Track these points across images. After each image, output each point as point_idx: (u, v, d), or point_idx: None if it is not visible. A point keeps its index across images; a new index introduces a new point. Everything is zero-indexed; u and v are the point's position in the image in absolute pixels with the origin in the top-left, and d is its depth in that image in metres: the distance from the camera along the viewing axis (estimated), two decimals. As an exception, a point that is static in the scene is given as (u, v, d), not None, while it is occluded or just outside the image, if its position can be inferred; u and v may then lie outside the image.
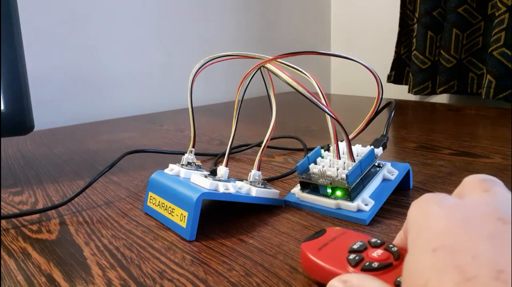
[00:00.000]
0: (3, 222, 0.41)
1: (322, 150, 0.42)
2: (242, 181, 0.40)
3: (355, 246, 0.25)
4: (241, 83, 0.40)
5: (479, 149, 0.58)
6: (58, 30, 0.92)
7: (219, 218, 0.39)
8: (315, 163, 0.40)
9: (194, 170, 0.41)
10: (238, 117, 0.41)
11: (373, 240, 0.26)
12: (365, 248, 0.25)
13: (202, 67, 0.41)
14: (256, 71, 0.39)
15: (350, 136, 0.41)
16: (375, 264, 0.23)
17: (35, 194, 0.49)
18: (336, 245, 0.26)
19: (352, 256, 0.24)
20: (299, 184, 0.41)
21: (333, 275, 0.23)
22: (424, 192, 0.35)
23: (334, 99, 1.18)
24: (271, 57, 0.37)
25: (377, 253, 0.24)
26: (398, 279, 0.21)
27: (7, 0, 0.48)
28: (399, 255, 0.24)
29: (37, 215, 0.42)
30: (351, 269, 0.23)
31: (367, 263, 0.23)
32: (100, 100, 0.99)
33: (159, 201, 0.39)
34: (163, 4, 1.06)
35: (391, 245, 0.25)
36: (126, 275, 0.30)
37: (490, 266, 0.14)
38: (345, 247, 0.26)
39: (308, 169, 0.40)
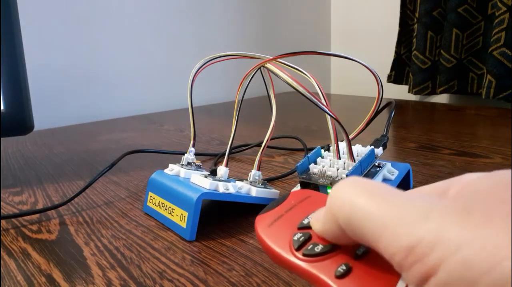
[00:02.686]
0: (3, 222, 0.41)
1: (322, 150, 0.42)
2: (242, 181, 0.40)
3: (305, 221, 0.21)
4: (241, 83, 0.40)
5: (479, 149, 0.58)
6: (58, 30, 0.92)
7: (219, 218, 0.39)
8: (315, 163, 0.40)
9: (194, 170, 0.41)
10: (238, 117, 0.41)
11: None
12: None
13: (202, 67, 0.41)
14: (256, 71, 0.39)
15: (350, 136, 0.41)
16: (318, 248, 0.19)
17: (35, 194, 0.49)
18: (290, 218, 0.22)
19: (297, 235, 0.20)
20: (299, 184, 0.41)
21: (279, 258, 0.20)
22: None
23: (334, 99, 1.18)
24: (271, 57, 0.37)
25: None
26: (340, 269, 0.17)
27: (7, 0, 0.48)
28: None
29: (37, 215, 0.42)
30: (295, 252, 0.19)
31: (310, 246, 0.19)
32: (100, 100, 0.99)
33: (159, 201, 0.39)
34: (163, 4, 1.06)
35: None
36: (126, 275, 0.30)
37: None
38: (297, 221, 0.21)
39: (308, 169, 0.40)
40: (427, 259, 0.14)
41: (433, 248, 0.14)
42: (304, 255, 0.19)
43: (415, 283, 0.14)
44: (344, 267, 0.17)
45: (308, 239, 0.20)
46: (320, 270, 0.18)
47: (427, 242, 0.14)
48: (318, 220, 0.19)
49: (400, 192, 0.16)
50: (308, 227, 0.20)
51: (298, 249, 0.19)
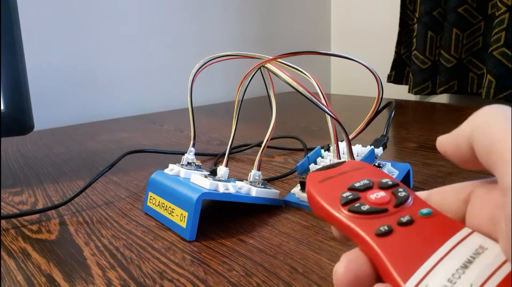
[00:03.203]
0: (3, 222, 0.41)
1: (322, 150, 0.42)
2: (242, 181, 0.40)
3: (357, 184, 0.22)
4: (241, 83, 0.40)
5: (479, 149, 0.58)
6: (58, 30, 0.92)
7: (219, 218, 0.39)
8: (315, 163, 0.40)
9: (194, 170, 0.41)
10: (238, 117, 0.41)
11: (385, 180, 0.22)
12: (368, 188, 0.21)
13: (202, 67, 0.41)
14: (256, 71, 0.39)
15: (350, 136, 0.41)
16: (365, 207, 0.20)
17: (35, 194, 0.49)
18: (341, 179, 0.23)
19: (346, 193, 0.21)
20: (299, 184, 0.41)
21: (324, 211, 0.21)
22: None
23: (334, 99, 1.18)
24: (271, 57, 0.37)
25: (377, 195, 0.20)
26: (382, 228, 0.18)
27: (7, 0, 0.48)
28: (403, 202, 0.20)
29: (37, 215, 0.42)
30: (341, 208, 0.20)
31: (357, 205, 0.20)
32: (100, 100, 0.99)
33: (159, 201, 0.39)
34: (164, 4, 1.06)
35: (401, 189, 0.21)
36: (126, 275, 0.30)
37: None
38: (348, 183, 0.22)
39: (308, 169, 0.40)
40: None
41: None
42: (349, 211, 0.20)
43: None
44: (386, 228, 0.18)
45: (356, 199, 0.20)
46: (361, 227, 0.19)
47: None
48: (445, 138, 0.19)
49: None
50: (359, 189, 0.21)
51: (344, 205, 0.20)
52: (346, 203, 0.20)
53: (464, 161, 0.18)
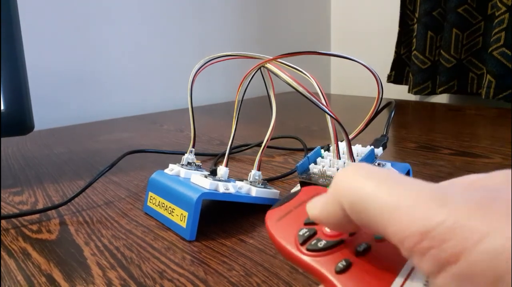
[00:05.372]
0: (3, 222, 0.41)
1: (322, 150, 0.42)
2: (242, 181, 0.40)
3: None
4: (241, 83, 0.40)
5: (479, 149, 0.58)
6: (58, 30, 0.92)
7: (219, 218, 0.39)
8: (315, 163, 0.40)
9: (194, 170, 0.41)
10: (238, 117, 0.41)
11: None
12: None
13: (202, 67, 0.41)
14: (256, 71, 0.39)
15: (350, 136, 0.41)
16: (321, 243, 0.19)
17: (35, 194, 0.49)
18: (298, 213, 0.22)
19: (303, 230, 0.20)
20: (299, 184, 0.41)
21: (286, 252, 0.20)
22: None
23: (334, 99, 1.18)
24: (271, 57, 0.37)
25: None
26: (340, 264, 0.18)
27: (7, 0, 0.48)
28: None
29: (37, 215, 0.42)
30: (300, 247, 0.20)
31: (313, 242, 0.19)
32: (100, 100, 0.99)
33: (159, 201, 0.39)
34: (163, 4, 1.06)
35: None
36: (126, 275, 0.30)
37: None
38: (304, 216, 0.21)
39: (308, 169, 0.40)
40: (446, 245, 0.13)
41: (453, 235, 0.13)
42: (308, 249, 0.19)
43: (430, 270, 0.13)
44: (344, 263, 0.18)
45: (313, 234, 0.20)
46: (321, 265, 0.18)
47: (446, 228, 0.13)
48: (316, 207, 0.19)
49: (409, 178, 0.16)
50: (314, 223, 0.20)
51: (302, 244, 0.20)
52: (304, 241, 0.20)
53: (341, 226, 0.18)
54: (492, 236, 0.12)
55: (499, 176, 0.16)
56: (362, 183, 0.16)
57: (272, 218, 0.23)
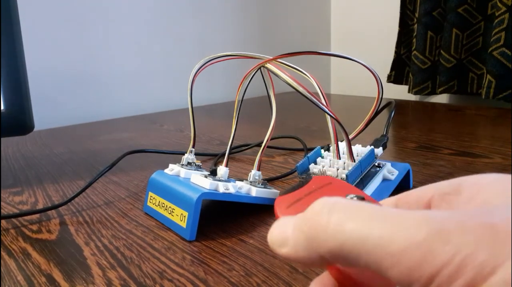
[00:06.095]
0: (3, 222, 0.41)
1: (322, 150, 0.42)
2: (242, 181, 0.40)
3: None
4: (241, 83, 0.40)
5: (479, 149, 0.58)
6: (58, 30, 0.92)
7: (219, 218, 0.39)
8: (315, 163, 0.40)
9: (194, 170, 0.41)
10: (238, 117, 0.41)
11: (350, 196, 0.21)
12: None
13: (202, 67, 0.41)
14: (256, 71, 0.39)
15: (350, 136, 0.41)
16: None
17: (35, 194, 0.49)
18: (309, 201, 0.21)
19: None
20: (299, 184, 0.41)
21: None
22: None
23: (334, 99, 1.18)
24: (271, 57, 0.37)
25: None
26: None
27: (7, 0, 0.48)
28: None
29: (37, 215, 0.42)
30: None
31: None
32: (100, 100, 0.99)
33: (159, 201, 0.39)
34: (163, 4, 1.06)
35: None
36: (126, 275, 0.30)
37: None
38: None
39: (308, 169, 0.40)
40: (456, 283, 0.12)
41: (462, 273, 0.12)
42: None
43: None
44: None
45: None
46: None
47: (455, 266, 0.13)
48: (286, 243, 0.17)
49: (394, 210, 0.15)
50: None
51: None
52: None
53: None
54: (506, 266, 0.12)
55: (493, 186, 0.16)
56: (342, 225, 0.15)
57: (281, 205, 0.23)
